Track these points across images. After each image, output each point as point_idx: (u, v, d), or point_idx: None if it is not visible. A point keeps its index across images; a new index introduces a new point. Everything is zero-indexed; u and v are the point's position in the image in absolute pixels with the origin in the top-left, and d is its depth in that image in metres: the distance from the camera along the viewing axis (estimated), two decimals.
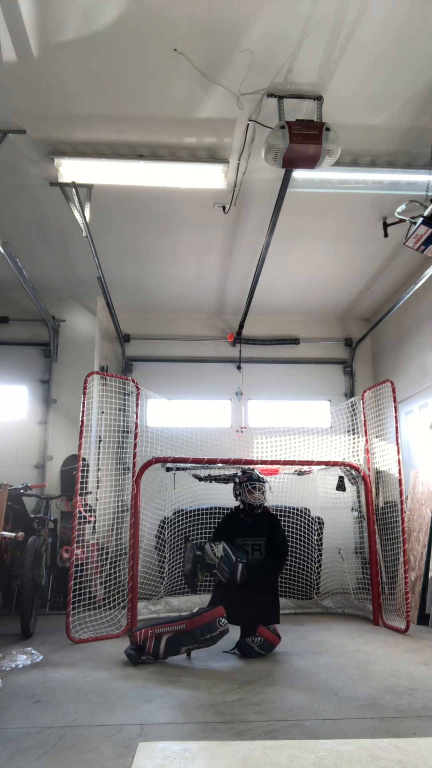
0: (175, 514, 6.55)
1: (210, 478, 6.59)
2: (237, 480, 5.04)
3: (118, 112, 4.46)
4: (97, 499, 6.69)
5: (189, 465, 6.22)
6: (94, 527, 6.39)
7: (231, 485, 5.35)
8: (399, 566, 5.94)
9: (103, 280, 6.29)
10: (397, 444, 5.75)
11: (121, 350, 8.34)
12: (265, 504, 4.97)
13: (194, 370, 8.39)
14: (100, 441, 7.34)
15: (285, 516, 6.46)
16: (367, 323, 8.59)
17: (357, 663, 4.09)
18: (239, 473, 5.12)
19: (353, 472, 6.41)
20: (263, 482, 4.92)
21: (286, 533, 5.70)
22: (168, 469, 6.57)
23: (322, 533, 6.76)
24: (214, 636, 4.11)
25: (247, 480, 4.89)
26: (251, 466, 5.41)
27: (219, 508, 6.41)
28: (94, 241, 5.58)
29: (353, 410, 7.07)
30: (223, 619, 4.17)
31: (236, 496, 5.03)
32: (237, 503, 5.06)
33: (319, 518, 6.80)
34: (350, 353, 8.63)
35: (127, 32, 3.76)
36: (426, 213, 4.60)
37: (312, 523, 6.69)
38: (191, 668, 4.02)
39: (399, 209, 4.90)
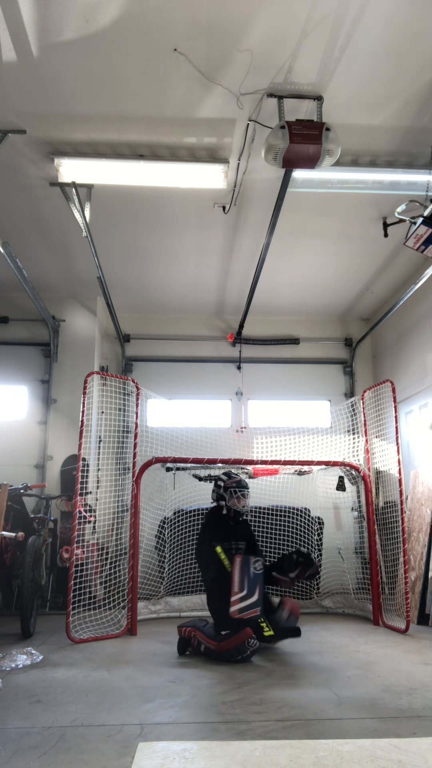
0: (175, 514, 6.55)
1: (210, 478, 6.59)
2: (222, 483, 4.85)
3: (118, 112, 4.46)
4: (97, 499, 6.69)
5: (189, 465, 6.22)
6: (94, 527, 6.39)
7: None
8: (399, 566, 5.94)
9: (103, 280, 6.29)
10: (397, 444, 5.75)
11: (121, 350, 8.34)
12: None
13: (194, 370, 8.39)
14: (100, 441, 7.34)
15: (285, 516, 6.46)
16: (367, 323, 8.59)
17: (357, 663, 4.09)
18: (223, 476, 4.93)
19: (353, 472, 6.41)
20: (248, 489, 4.89)
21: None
22: (168, 469, 6.58)
23: (322, 533, 6.76)
24: (245, 657, 4.06)
25: (235, 486, 4.79)
26: (237, 468, 5.28)
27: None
28: (94, 241, 5.58)
29: (353, 410, 7.07)
30: (252, 640, 4.05)
31: (218, 499, 4.86)
32: (214, 503, 4.92)
33: (319, 518, 6.80)
34: (350, 353, 8.63)
35: (127, 32, 3.76)
36: (426, 213, 4.60)
37: (312, 523, 6.69)
38: (191, 668, 4.02)
39: (399, 209, 4.90)
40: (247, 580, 4.12)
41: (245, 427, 8.03)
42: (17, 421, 7.54)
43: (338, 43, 3.86)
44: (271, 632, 4.21)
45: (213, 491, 4.97)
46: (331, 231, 6.22)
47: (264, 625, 4.21)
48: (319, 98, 4.29)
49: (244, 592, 4.08)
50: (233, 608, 4.09)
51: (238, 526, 4.86)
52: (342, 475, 6.53)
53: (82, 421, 5.38)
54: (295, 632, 4.37)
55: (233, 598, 4.10)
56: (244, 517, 5.05)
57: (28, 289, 6.37)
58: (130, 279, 7.33)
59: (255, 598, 4.08)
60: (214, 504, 4.95)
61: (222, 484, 4.85)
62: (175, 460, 5.89)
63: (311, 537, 6.62)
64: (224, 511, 4.83)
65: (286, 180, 4.75)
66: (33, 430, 7.49)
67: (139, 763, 2.41)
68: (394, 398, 5.87)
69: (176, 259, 6.84)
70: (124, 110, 4.44)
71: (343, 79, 4.15)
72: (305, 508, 6.71)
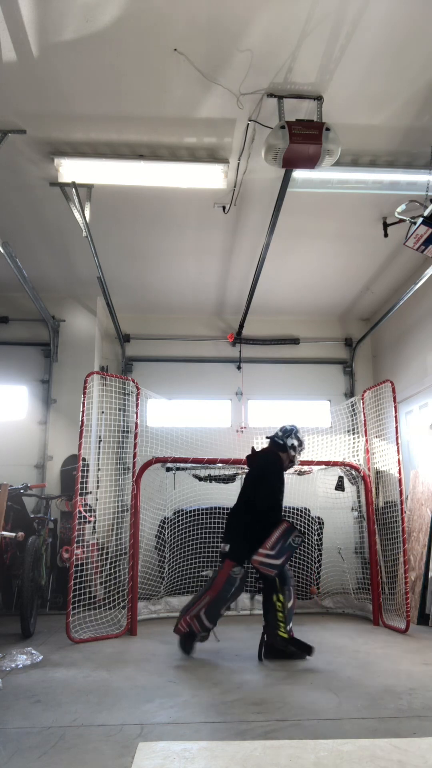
0: (175, 514, 6.55)
1: (210, 478, 6.59)
2: (297, 443, 4.78)
3: (118, 112, 4.46)
4: (97, 499, 6.69)
5: (189, 465, 6.22)
6: (94, 527, 6.39)
7: (231, 482, 5.14)
8: (399, 566, 5.94)
9: (103, 280, 6.29)
10: (397, 444, 5.75)
11: (121, 350, 8.34)
12: None
13: (194, 370, 8.39)
14: (100, 441, 7.34)
15: (285, 516, 6.44)
16: (367, 323, 8.59)
17: (357, 663, 4.09)
18: (300, 435, 4.83)
19: (353, 472, 6.41)
20: None
21: None
22: (168, 469, 6.57)
23: (322, 533, 6.76)
24: (238, 587, 4.30)
25: (303, 450, 4.87)
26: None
27: (219, 508, 6.41)
28: (94, 241, 5.58)
29: (353, 410, 7.07)
30: (236, 568, 4.30)
31: (291, 448, 4.76)
32: (281, 446, 4.78)
33: (319, 518, 6.80)
34: (350, 353, 8.63)
35: (127, 32, 3.76)
36: (426, 213, 4.60)
37: (312, 523, 6.69)
38: (191, 668, 4.02)
39: (399, 209, 4.90)
40: (280, 545, 4.27)
41: (245, 427, 8.03)
42: (17, 421, 7.54)
43: (338, 43, 3.86)
44: (285, 634, 4.24)
45: (283, 437, 4.78)
46: (331, 231, 6.22)
47: (282, 625, 4.25)
48: (319, 98, 4.28)
49: (273, 552, 4.24)
50: (256, 557, 4.26)
51: None
52: (342, 475, 6.53)
53: (82, 421, 5.38)
54: (307, 649, 4.31)
55: (261, 550, 4.26)
56: None
57: (28, 289, 6.37)
58: (130, 279, 7.33)
59: (278, 562, 4.24)
60: (280, 446, 4.78)
61: (297, 444, 4.79)
62: (175, 460, 5.89)
63: (311, 537, 6.62)
64: (292, 460, 4.80)
65: (286, 180, 4.75)
66: (33, 430, 7.49)
67: (139, 763, 2.41)
68: (394, 398, 5.87)
69: (176, 259, 6.84)
70: (124, 110, 4.44)
71: (343, 79, 4.15)
72: (305, 508, 6.71)
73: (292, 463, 4.80)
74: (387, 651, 4.45)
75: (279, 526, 4.33)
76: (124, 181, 5.03)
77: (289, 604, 4.37)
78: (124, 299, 7.69)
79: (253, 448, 4.94)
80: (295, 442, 4.77)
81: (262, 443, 6.89)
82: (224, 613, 4.46)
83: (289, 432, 4.80)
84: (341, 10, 3.62)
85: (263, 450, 4.85)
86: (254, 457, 4.81)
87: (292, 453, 4.75)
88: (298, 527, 4.60)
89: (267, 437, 4.92)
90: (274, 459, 4.72)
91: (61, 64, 4.00)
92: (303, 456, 5.03)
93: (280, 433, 4.81)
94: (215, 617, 4.34)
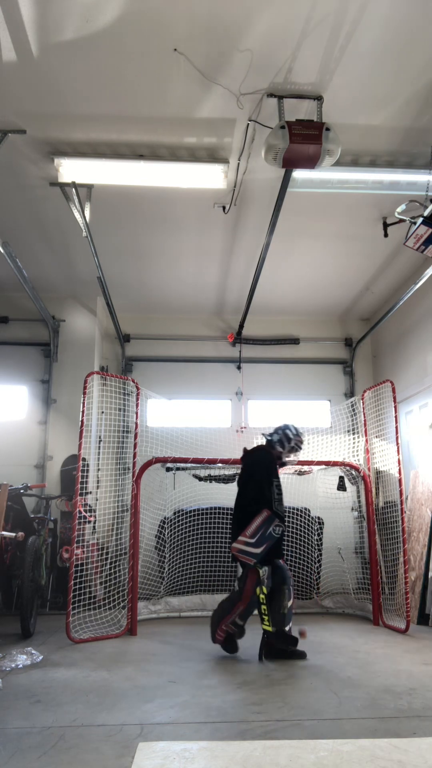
0: (175, 514, 6.56)
1: (210, 478, 6.59)
2: (291, 435, 4.79)
3: (118, 112, 4.46)
4: (97, 499, 6.69)
5: (189, 465, 6.22)
6: (94, 527, 6.40)
7: (231, 482, 5.13)
8: (399, 566, 5.94)
9: (103, 280, 6.29)
10: (397, 444, 5.75)
11: (121, 350, 8.34)
12: None
13: (194, 370, 8.39)
14: (100, 441, 7.34)
15: (285, 516, 6.44)
16: (367, 323, 8.59)
17: (357, 663, 4.09)
18: (294, 428, 4.87)
19: (353, 472, 6.41)
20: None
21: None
22: (168, 469, 6.57)
23: (322, 533, 6.76)
24: (267, 585, 4.30)
25: (299, 444, 4.84)
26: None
27: (219, 508, 6.41)
28: (94, 241, 5.58)
29: (353, 410, 7.07)
30: (263, 569, 4.28)
31: (278, 443, 4.79)
32: (269, 443, 4.83)
33: (319, 518, 6.80)
34: (350, 353, 8.63)
35: (127, 32, 3.76)
36: (426, 213, 4.60)
37: (312, 523, 6.69)
38: (191, 668, 4.02)
39: (399, 209, 4.90)
40: (261, 534, 4.27)
41: (245, 427, 8.03)
42: (17, 421, 7.54)
43: (338, 43, 3.86)
44: (270, 627, 4.23)
45: (276, 433, 4.84)
46: (331, 231, 6.22)
47: (266, 618, 4.24)
48: (319, 98, 4.28)
49: (253, 541, 4.25)
50: (236, 545, 4.30)
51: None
52: (342, 475, 6.53)
53: (82, 421, 5.38)
54: (294, 642, 4.36)
55: (241, 538, 4.28)
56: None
57: (28, 289, 6.37)
58: (130, 279, 7.33)
59: (257, 551, 4.24)
60: (269, 443, 4.83)
61: (291, 437, 4.80)
62: (175, 460, 5.89)
63: (311, 537, 6.62)
64: (279, 457, 4.80)
65: (286, 180, 4.75)
66: (33, 430, 7.49)
67: (139, 763, 2.41)
68: (394, 398, 5.87)
69: (176, 259, 6.84)
70: (124, 110, 4.44)
71: (343, 79, 4.15)
72: (305, 508, 6.71)
73: (280, 460, 4.78)
74: (387, 651, 4.45)
75: (260, 514, 4.34)
76: (124, 181, 5.03)
77: (289, 603, 4.38)
78: (124, 299, 7.69)
79: (245, 448, 4.95)
80: (283, 440, 4.77)
81: (261, 443, 6.92)
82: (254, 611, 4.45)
83: (278, 429, 4.84)
84: (341, 10, 3.62)
85: (254, 448, 4.88)
86: (245, 456, 4.84)
87: (279, 449, 4.75)
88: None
89: (262, 434, 4.96)
90: (261, 456, 4.76)
91: (61, 64, 4.00)
92: (302, 452, 5.01)
93: (271, 431, 4.87)
94: (248, 616, 4.41)
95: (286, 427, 4.87)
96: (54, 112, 4.44)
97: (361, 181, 5.05)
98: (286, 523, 6.37)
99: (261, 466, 4.67)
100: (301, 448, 4.87)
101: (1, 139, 4.55)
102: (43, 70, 4.05)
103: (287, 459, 4.87)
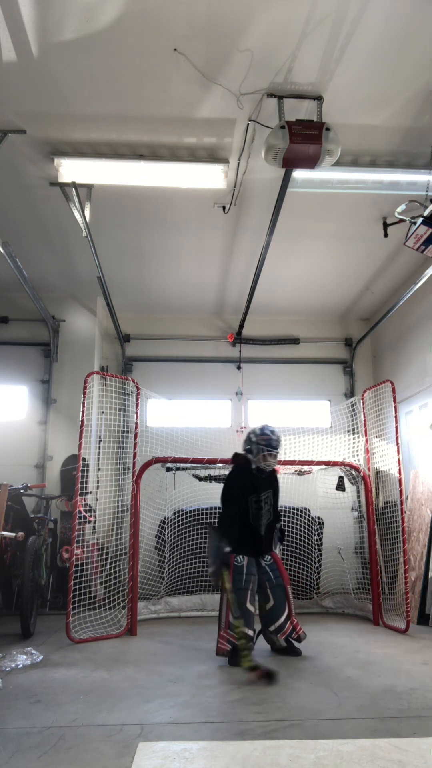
0: (175, 514, 6.55)
1: (210, 478, 6.58)
2: (253, 438, 4.64)
3: (118, 112, 4.46)
4: (97, 499, 6.69)
5: (189, 465, 6.22)
6: (94, 527, 6.40)
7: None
8: (399, 566, 5.94)
9: (103, 280, 6.29)
10: (397, 444, 5.75)
11: (121, 350, 8.34)
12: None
13: (194, 370, 8.39)
14: (100, 441, 7.34)
15: (285, 516, 6.45)
16: (367, 323, 8.59)
17: (357, 663, 4.09)
18: (257, 430, 4.68)
19: (353, 472, 6.41)
20: (278, 449, 4.64)
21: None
22: (168, 469, 6.57)
23: (322, 533, 6.76)
24: (249, 572, 4.35)
25: (264, 444, 4.58)
26: (269, 426, 4.85)
27: (219, 509, 6.40)
28: (94, 241, 5.58)
29: (353, 410, 7.07)
30: (239, 558, 4.37)
31: (247, 452, 4.68)
32: (243, 453, 4.72)
33: (319, 518, 6.80)
34: (350, 353, 8.63)
35: (127, 32, 3.76)
36: (426, 213, 4.60)
37: (312, 523, 6.69)
38: (191, 668, 4.02)
39: (399, 209, 4.89)
40: (211, 549, 4.43)
41: (245, 427, 8.01)
42: (17, 421, 7.54)
43: (338, 43, 3.86)
44: (250, 664, 3.74)
45: (245, 441, 4.74)
46: (331, 231, 6.22)
47: (246, 654, 3.85)
48: (319, 98, 4.28)
49: (210, 560, 4.45)
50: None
51: (267, 477, 4.67)
52: (342, 475, 6.53)
53: (82, 421, 5.38)
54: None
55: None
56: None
57: (28, 289, 6.37)
58: (130, 279, 7.33)
59: (212, 568, 4.40)
60: (243, 453, 4.73)
61: (253, 439, 4.62)
62: (175, 460, 5.88)
63: (311, 537, 6.62)
64: (252, 465, 4.63)
65: (286, 180, 4.75)
66: (33, 430, 7.49)
67: (139, 763, 2.41)
68: (394, 398, 5.87)
69: (176, 259, 6.84)
70: (124, 110, 4.44)
71: (343, 79, 4.15)
72: (305, 508, 6.71)
73: (269, 454, 4.57)
74: (387, 651, 4.45)
75: (209, 537, 4.48)
76: (124, 181, 5.03)
77: (268, 605, 4.44)
78: (124, 299, 7.69)
79: (235, 453, 4.86)
80: (250, 446, 4.62)
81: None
82: (253, 609, 4.31)
83: (248, 439, 4.69)
84: (341, 10, 3.62)
85: (233, 459, 4.85)
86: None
87: (250, 457, 4.62)
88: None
89: None
90: (231, 472, 4.75)
91: (61, 64, 4.00)
92: (283, 451, 4.85)
93: None
94: (245, 616, 4.16)
95: (251, 431, 4.72)
96: (54, 112, 4.44)
97: (361, 181, 5.05)
98: (286, 524, 6.39)
99: (226, 483, 4.65)
100: (273, 447, 4.56)
101: (1, 139, 4.55)
102: (43, 70, 4.05)
103: (265, 464, 4.56)
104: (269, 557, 4.57)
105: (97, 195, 5.30)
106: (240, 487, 4.54)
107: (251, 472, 4.60)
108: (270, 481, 4.73)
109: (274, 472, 4.84)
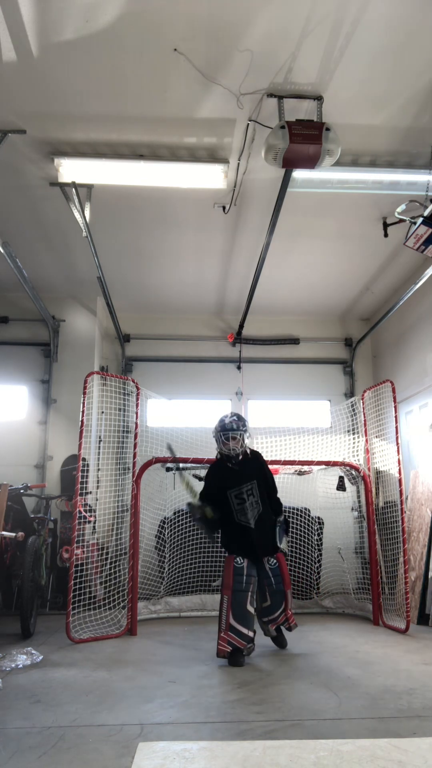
0: (175, 514, 6.55)
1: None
2: (213, 433, 4.73)
3: (118, 112, 4.46)
4: (97, 499, 6.69)
5: (189, 465, 6.21)
6: (94, 527, 6.39)
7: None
8: (399, 566, 5.94)
9: (103, 280, 6.29)
10: (397, 444, 5.75)
11: (121, 350, 8.34)
12: (246, 449, 4.69)
13: (194, 370, 8.39)
14: (100, 441, 7.34)
15: (285, 516, 6.44)
16: (367, 323, 8.59)
17: (357, 663, 4.09)
18: (216, 424, 4.75)
19: (353, 472, 6.41)
20: (237, 430, 4.56)
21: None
22: (168, 469, 6.57)
23: (322, 533, 6.76)
24: (249, 573, 4.34)
25: (220, 430, 4.62)
26: (232, 413, 4.93)
27: None
28: (94, 241, 5.58)
29: (353, 410, 7.07)
30: (239, 559, 4.37)
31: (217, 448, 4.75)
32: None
33: (319, 518, 6.80)
34: (350, 353, 8.63)
35: (127, 32, 3.76)
36: (426, 213, 4.60)
37: (312, 523, 6.69)
38: (191, 668, 4.02)
39: (399, 209, 4.90)
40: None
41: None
42: (17, 421, 7.54)
43: (338, 43, 3.86)
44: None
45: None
46: (331, 231, 6.22)
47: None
48: (319, 98, 4.28)
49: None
50: None
51: (244, 467, 4.62)
52: (342, 475, 6.53)
53: (82, 421, 5.38)
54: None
55: None
56: (254, 451, 4.84)
57: (28, 289, 6.37)
58: (130, 279, 7.33)
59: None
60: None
61: (213, 433, 4.68)
62: (175, 460, 5.88)
63: (311, 537, 6.62)
64: (225, 459, 4.66)
65: (286, 180, 4.75)
66: (33, 430, 7.49)
67: (139, 763, 2.41)
68: (394, 398, 5.87)
69: (176, 259, 6.84)
70: (124, 110, 4.44)
71: (343, 79, 4.15)
72: (305, 508, 6.71)
73: (226, 439, 4.59)
74: (387, 651, 4.45)
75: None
76: (124, 181, 5.03)
77: (264, 604, 4.48)
78: (124, 299, 7.69)
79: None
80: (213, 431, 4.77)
81: (261, 443, 6.93)
82: (253, 611, 4.31)
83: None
84: (341, 10, 3.63)
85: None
86: None
87: (216, 440, 4.70)
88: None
89: None
90: (210, 465, 4.91)
91: (61, 64, 4.00)
92: (244, 437, 4.68)
93: None
94: (245, 617, 4.19)
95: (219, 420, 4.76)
96: (54, 112, 4.44)
97: (361, 181, 5.05)
98: None
99: (206, 476, 4.81)
100: (227, 429, 4.55)
101: (1, 139, 4.55)
102: (43, 70, 4.05)
103: (229, 450, 4.56)
104: (274, 560, 4.52)
105: (97, 195, 5.30)
106: (215, 483, 4.60)
107: (226, 467, 4.64)
108: (252, 473, 4.61)
109: (257, 461, 4.74)
